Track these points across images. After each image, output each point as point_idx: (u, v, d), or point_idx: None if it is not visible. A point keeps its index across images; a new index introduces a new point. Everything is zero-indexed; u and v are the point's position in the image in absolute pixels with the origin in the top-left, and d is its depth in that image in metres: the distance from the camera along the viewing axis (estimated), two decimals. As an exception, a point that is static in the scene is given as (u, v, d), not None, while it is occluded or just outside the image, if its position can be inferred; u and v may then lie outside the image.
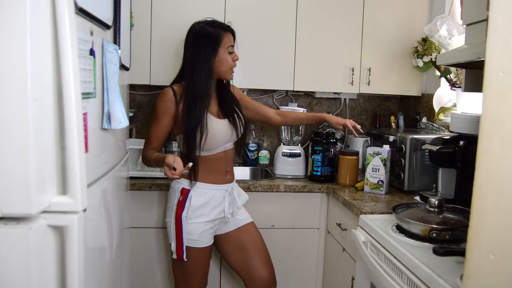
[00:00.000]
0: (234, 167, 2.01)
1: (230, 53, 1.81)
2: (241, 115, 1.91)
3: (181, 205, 1.79)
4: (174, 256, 1.81)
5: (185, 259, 1.79)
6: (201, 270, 1.86)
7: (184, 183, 1.80)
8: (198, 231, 1.79)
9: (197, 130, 1.73)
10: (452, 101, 2.25)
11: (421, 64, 2.44)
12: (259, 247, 1.92)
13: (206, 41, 1.77)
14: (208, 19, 1.84)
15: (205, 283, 1.92)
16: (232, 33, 1.85)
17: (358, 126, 2.03)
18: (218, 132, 1.79)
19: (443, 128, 2.26)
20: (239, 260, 1.90)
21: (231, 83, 1.95)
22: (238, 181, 2.15)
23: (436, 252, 1.21)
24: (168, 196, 1.90)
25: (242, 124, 1.89)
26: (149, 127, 1.82)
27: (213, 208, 1.82)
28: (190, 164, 1.62)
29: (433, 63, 2.38)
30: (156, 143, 1.79)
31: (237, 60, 1.84)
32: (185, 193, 1.79)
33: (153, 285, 2.19)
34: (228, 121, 1.84)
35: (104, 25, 1.13)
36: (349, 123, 2.04)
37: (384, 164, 2.04)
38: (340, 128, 2.09)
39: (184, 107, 1.75)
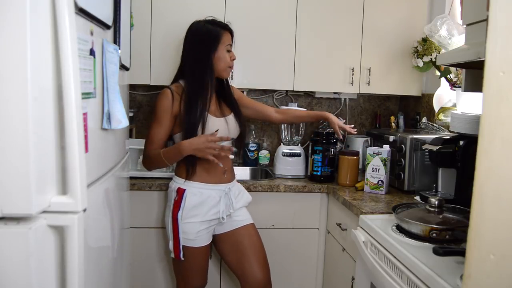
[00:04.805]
0: (234, 167, 2.01)
1: (228, 51, 1.83)
2: (240, 113, 1.93)
3: (177, 205, 1.80)
4: (172, 255, 1.83)
5: (182, 258, 1.81)
6: (199, 269, 1.87)
7: (180, 182, 1.82)
8: (194, 230, 1.79)
9: (197, 129, 1.74)
10: (452, 101, 2.24)
11: (421, 64, 2.43)
12: (256, 249, 1.89)
13: (206, 38, 1.79)
14: (208, 18, 1.85)
15: (205, 281, 1.93)
16: (231, 32, 1.86)
17: (353, 131, 2.08)
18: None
19: (443, 128, 2.26)
20: (235, 261, 1.89)
21: (230, 83, 1.96)
22: (238, 181, 2.15)
23: (436, 252, 1.21)
24: (167, 195, 1.91)
25: (240, 123, 1.91)
26: (150, 129, 1.82)
27: (209, 208, 1.82)
28: (234, 149, 1.76)
29: (433, 63, 2.37)
30: (157, 144, 1.80)
31: (234, 59, 1.86)
32: (180, 192, 1.80)
33: (153, 285, 2.19)
34: (225, 120, 1.85)
35: (104, 25, 1.13)
36: (348, 127, 2.08)
37: (384, 164, 2.04)
38: (336, 130, 2.08)
39: (185, 105, 1.76)
